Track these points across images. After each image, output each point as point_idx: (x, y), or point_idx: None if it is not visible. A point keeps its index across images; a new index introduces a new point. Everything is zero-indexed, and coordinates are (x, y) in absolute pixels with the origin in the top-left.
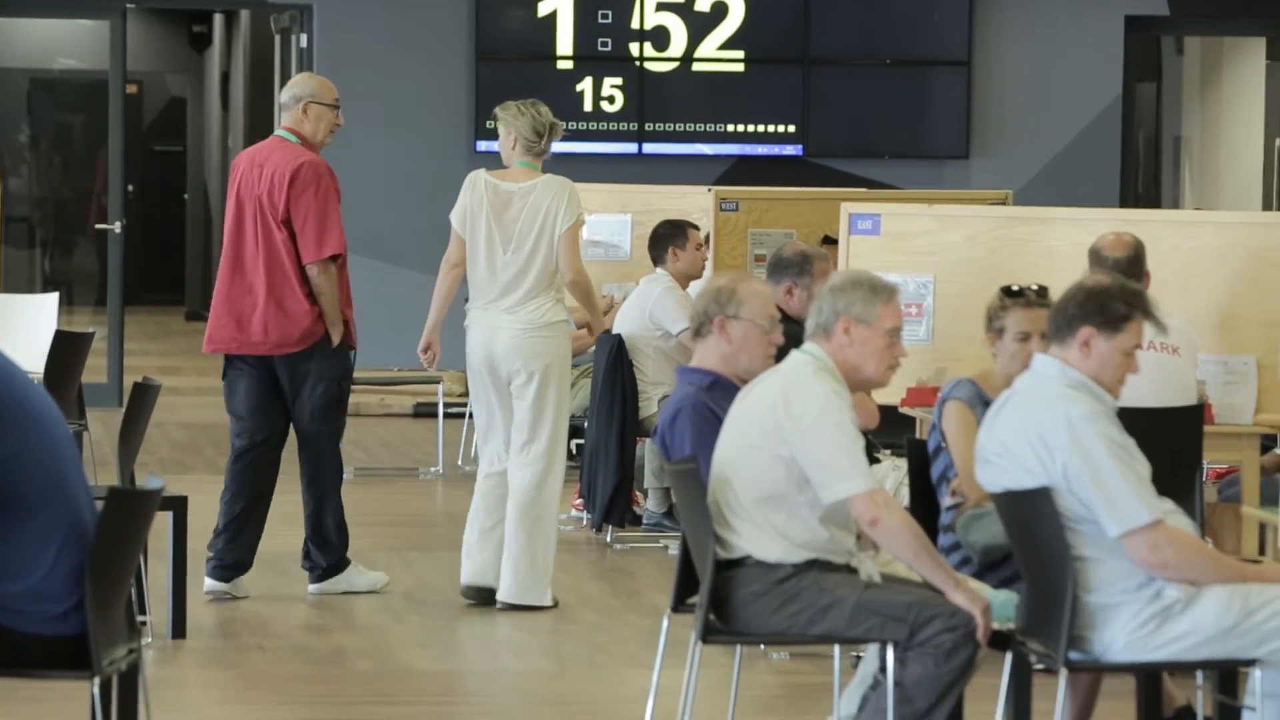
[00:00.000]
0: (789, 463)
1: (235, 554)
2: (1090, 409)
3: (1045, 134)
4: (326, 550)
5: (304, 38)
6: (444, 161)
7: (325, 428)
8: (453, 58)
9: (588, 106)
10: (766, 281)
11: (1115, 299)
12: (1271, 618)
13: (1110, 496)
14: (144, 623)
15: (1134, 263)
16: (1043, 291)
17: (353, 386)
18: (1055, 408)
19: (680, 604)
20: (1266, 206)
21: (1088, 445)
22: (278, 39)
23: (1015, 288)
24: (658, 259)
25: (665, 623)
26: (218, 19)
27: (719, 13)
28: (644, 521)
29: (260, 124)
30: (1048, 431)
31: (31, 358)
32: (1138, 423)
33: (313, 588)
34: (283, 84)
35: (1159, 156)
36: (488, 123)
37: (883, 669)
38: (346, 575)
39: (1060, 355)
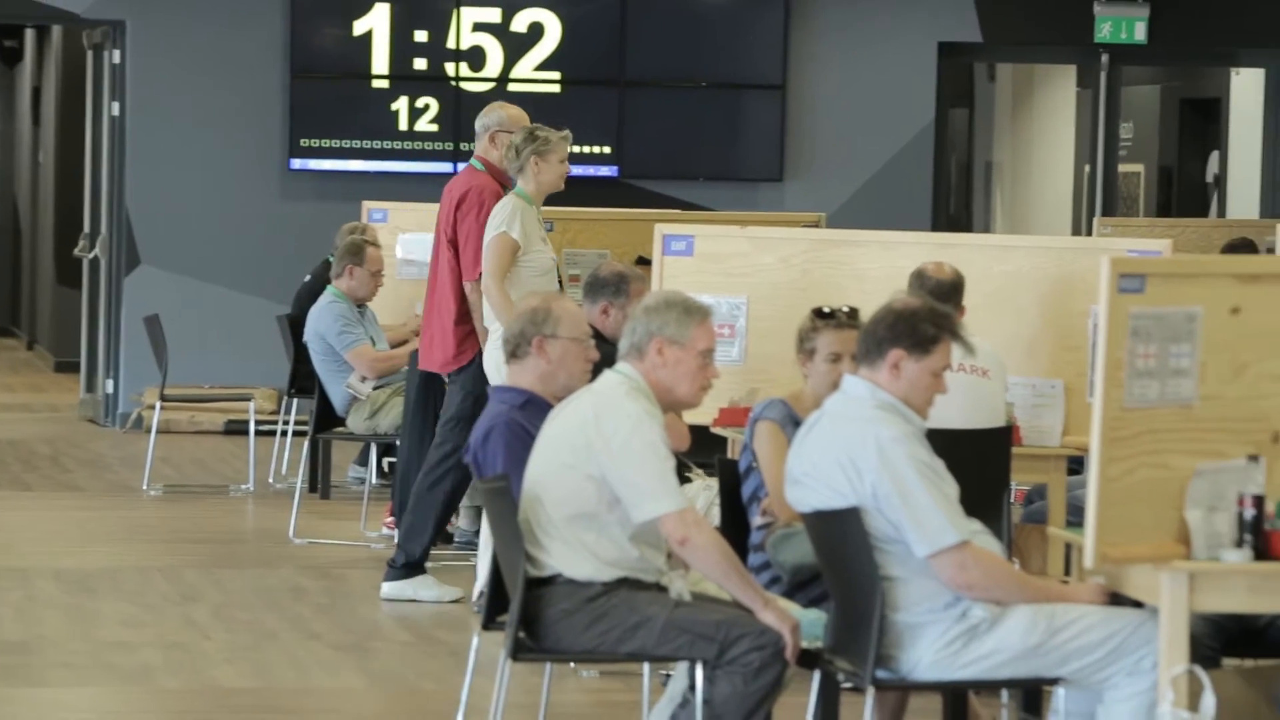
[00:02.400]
0: (600, 482)
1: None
2: (899, 430)
3: (859, 158)
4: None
5: (116, 54)
6: (258, 179)
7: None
8: (267, 75)
9: (403, 126)
10: (583, 301)
11: (924, 321)
12: (1075, 637)
13: (918, 517)
14: None
15: (954, 290)
16: (854, 313)
17: (162, 404)
18: (865, 429)
19: (491, 622)
20: (1076, 231)
21: (897, 466)
22: (90, 55)
23: (826, 309)
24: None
25: (475, 640)
26: (29, 34)
27: (535, 34)
28: (456, 540)
29: (71, 140)
30: (857, 453)
31: None
32: (947, 444)
33: (386, 588)
34: (95, 100)
35: (971, 181)
36: (301, 140)
37: (692, 687)
38: (415, 582)
39: (870, 377)
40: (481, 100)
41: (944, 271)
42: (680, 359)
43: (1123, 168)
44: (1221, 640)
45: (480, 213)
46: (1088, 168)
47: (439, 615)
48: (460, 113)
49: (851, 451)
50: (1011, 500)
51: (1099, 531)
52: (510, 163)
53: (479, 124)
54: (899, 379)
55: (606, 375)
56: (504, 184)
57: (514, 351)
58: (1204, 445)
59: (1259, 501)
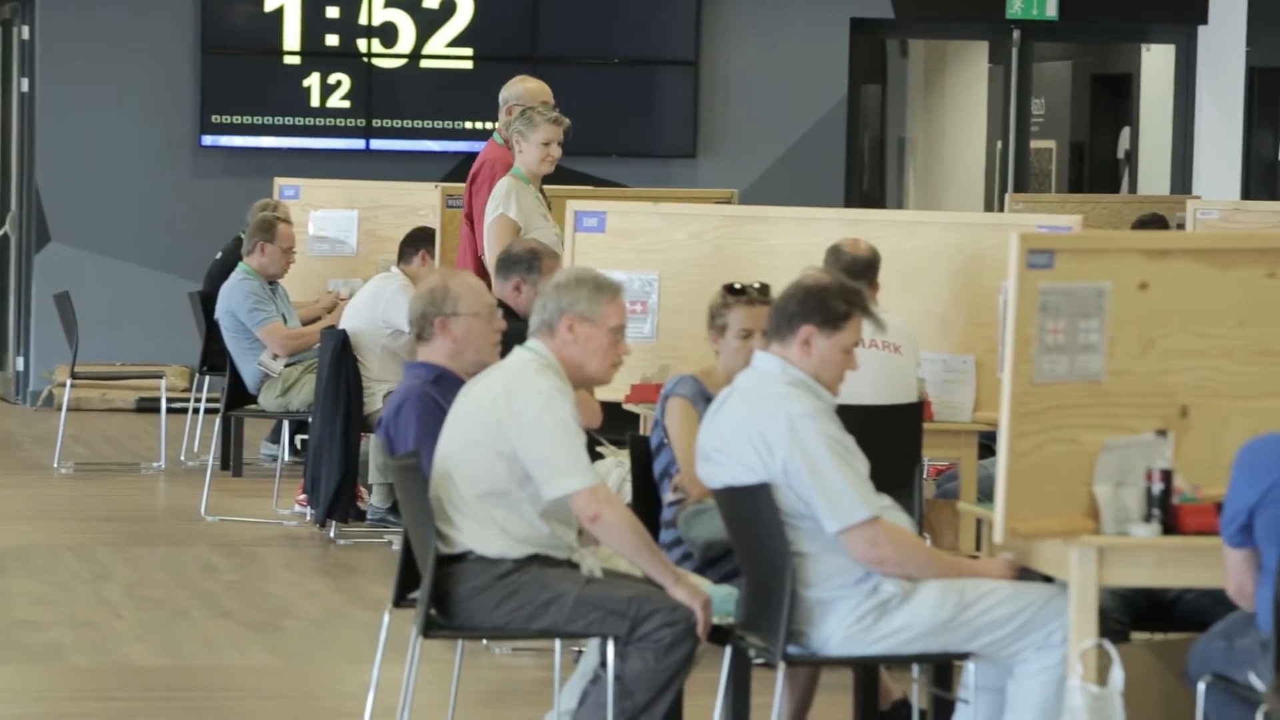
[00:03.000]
0: (510, 459)
1: None
2: (810, 407)
3: (771, 134)
4: None
5: (25, 29)
6: (169, 156)
7: None
8: (178, 51)
9: (315, 102)
10: (495, 278)
11: (835, 297)
12: (985, 612)
13: (829, 493)
14: None
15: (870, 266)
16: (765, 289)
17: (73, 381)
18: (776, 405)
19: (402, 599)
20: (988, 208)
21: (807, 443)
22: None
23: (738, 285)
24: (404, 258)
25: (386, 618)
26: None
27: (448, 10)
28: (368, 517)
29: None
30: (768, 429)
31: None
32: (859, 420)
33: None
34: (3, 76)
35: (884, 157)
36: (213, 116)
37: (603, 663)
38: None
39: (781, 353)
40: (393, 77)
41: (860, 248)
42: (591, 336)
43: (1034, 144)
44: (1130, 614)
45: (491, 187)
46: (1000, 144)
47: (352, 593)
48: (372, 89)
49: (763, 428)
50: (925, 476)
51: (1008, 506)
52: (512, 141)
53: (501, 96)
54: (810, 355)
55: (517, 352)
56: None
57: (419, 333)
58: (1112, 420)
59: (1167, 476)
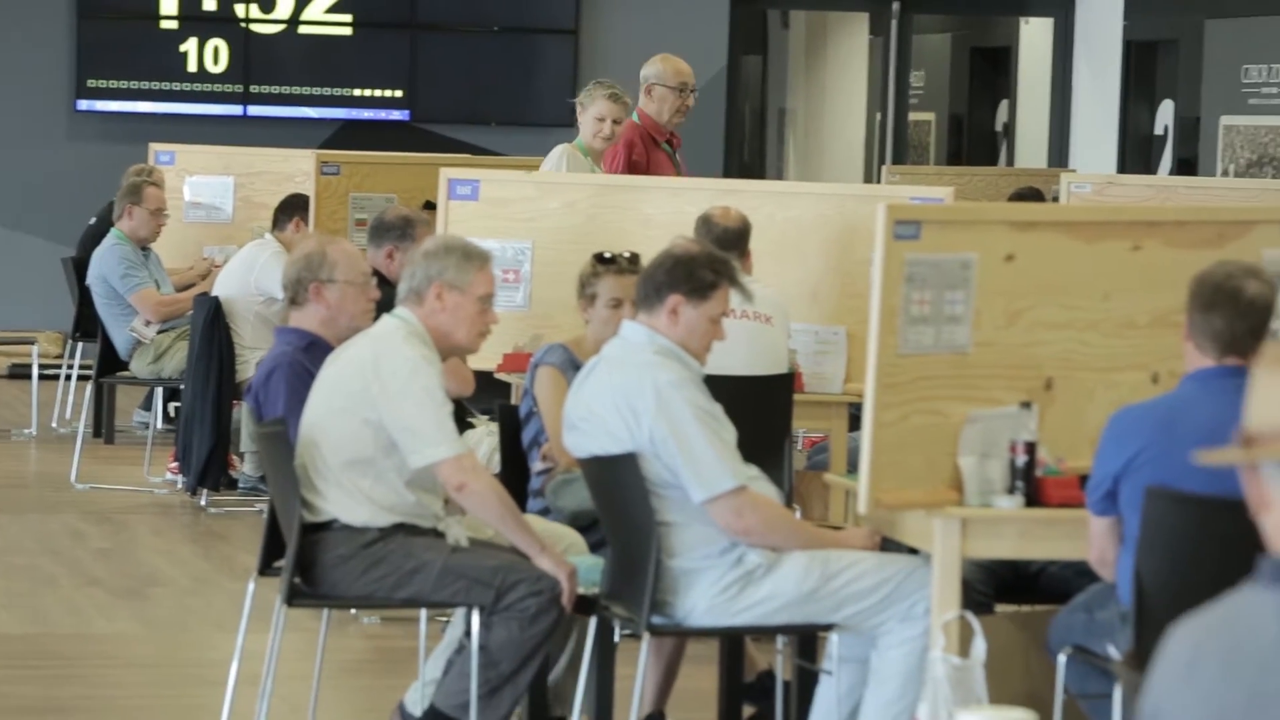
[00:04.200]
0: (376, 427)
1: None
2: (677, 376)
3: None
4: None
5: None
6: (43, 120)
7: None
8: (54, 15)
9: (192, 67)
10: (368, 245)
11: (703, 267)
12: (850, 583)
13: (695, 463)
14: None
15: (740, 236)
16: (635, 259)
17: None
18: (643, 374)
19: (268, 567)
20: (867, 179)
21: (674, 412)
22: None
23: (608, 254)
24: (278, 225)
25: (251, 586)
26: None
27: None
28: (240, 485)
29: None
30: (635, 398)
31: None
32: (729, 390)
33: None
34: None
35: (764, 128)
36: (89, 81)
37: (468, 633)
38: None
39: (648, 322)
40: (271, 43)
41: (730, 217)
42: (459, 304)
43: (913, 116)
44: (994, 586)
45: (612, 162)
46: (879, 115)
47: (222, 561)
48: (250, 55)
49: (629, 397)
50: (800, 448)
51: (872, 478)
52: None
53: (642, 75)
54: (677, 324)
55: (385, 320)
56: (655, 137)
57: (293, 298)
58: (977, 392)
59: (1031, 448)
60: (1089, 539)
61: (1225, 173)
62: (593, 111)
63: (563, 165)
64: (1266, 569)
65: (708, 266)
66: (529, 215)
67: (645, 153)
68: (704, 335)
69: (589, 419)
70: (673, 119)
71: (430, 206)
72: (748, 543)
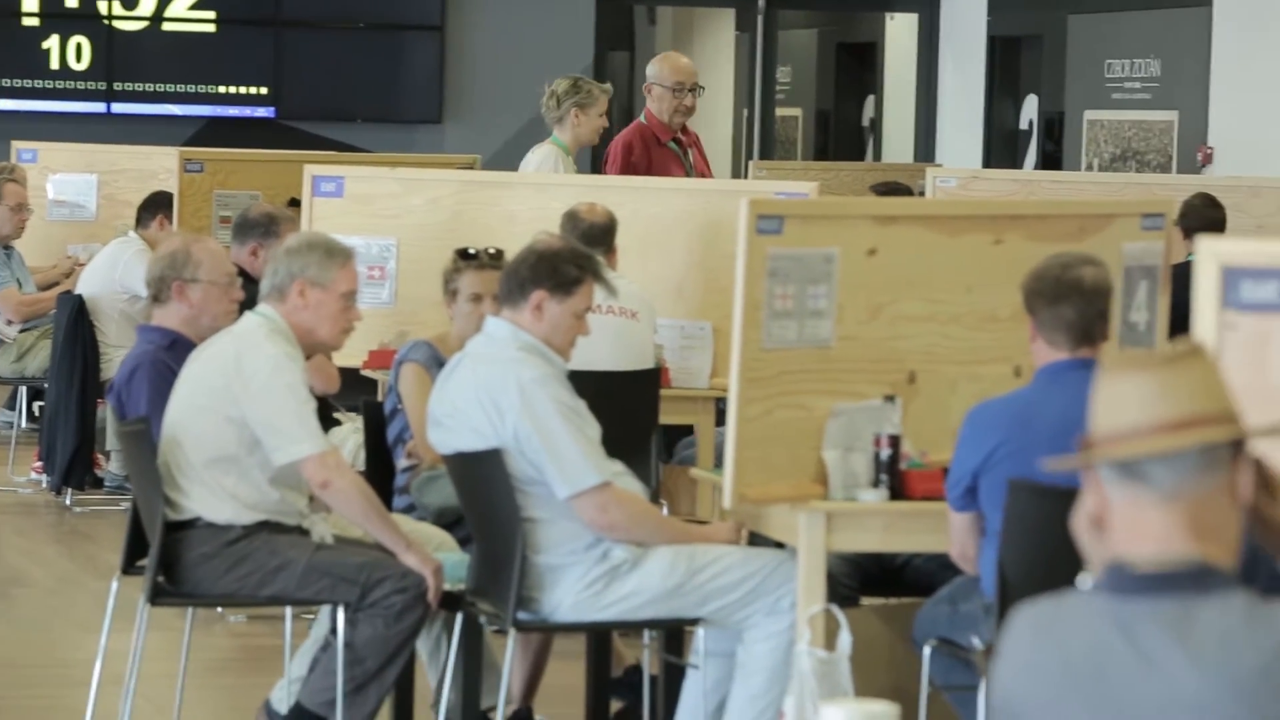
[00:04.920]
0: (239, 424)
1: None
2: (541, 372)
3: (518, 99)
4: None
5: None
6: None
7: None
8: None
9: (54, 65)
10: (232, 242)
11: (567, 262)
12: (715, 577)
13: (559, 459)
14: None
15: (606, 232)
16: (498, 254)
17: None
18: (506, 370)
19: (131, 566)
20: (735, 175)
21: (538, 408)
22: None
23: (470, 250)
24: (142, 223)
25: (115, 585)
26: None
27: None
28: (105, 484)
29: None
30: (499, 394)
31: None
32: (595, 385)
33: None
34: None
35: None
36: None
37: (333, 630)
38: None
39: (512, 318)
40: (134, 39)
41: (596, 213)
42: (322, 301)
43: (780, 111)
44: (859, 579)
45: (609, 163)
46: (746, 111)
47: (86, 560)
48: (113, 52)
49: (493, 393)
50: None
51: (737, 472)
52: (549, 111)
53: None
54: (541, 320)
55: (247, 317)
56: (660, 137)
57: (156, 295)
58: (841, 386)
59: (895, 441)
60: (950, 534)
61: (1089, 167)
62: (597, 110)
63: (557, 166)
64: (1105, 574)
65: (571, 262)
66: (394, 212)
67: (646, 153)
68: (568, 331)
69: (454, 415)
70: (674, 118)
71: (295, 204)
72: (613, 538)
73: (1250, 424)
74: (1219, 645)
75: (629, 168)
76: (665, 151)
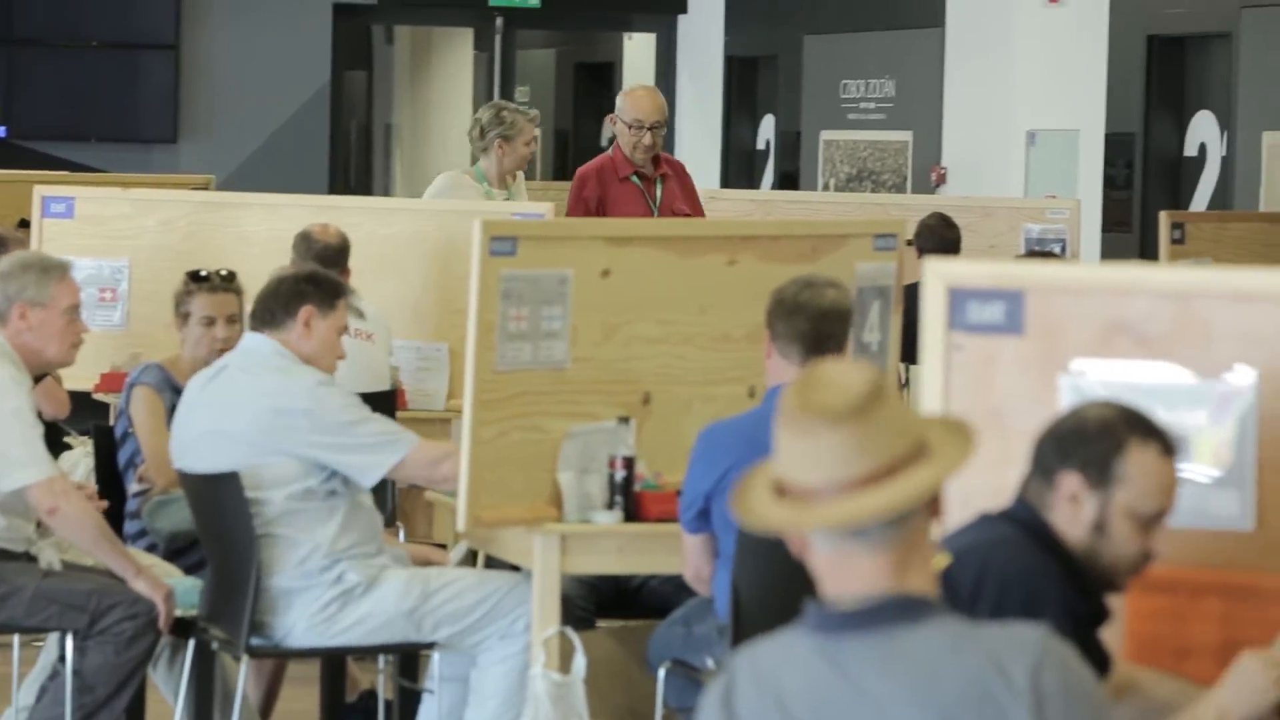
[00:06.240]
0: None
1: None
2: (320, 375)
3: (255, 119)
4: None
5: None
6: None
7: None
8: None
9: None
10: None
11: (325, 280)
12: (449, 601)
13: (361, 446)
14: None
15: (340, 253)
16: (230, 276)
17: None
18: (290, 379)
19: None
20: None
21: (328, 407)
22: None
23: (202, 272)
24: None
25: None
26: None
27: None
28: None
29: None
30: (283, 400)
31: None
32: None
33: None
34: None
35: (370, 144)
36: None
37: (62, 658)
38: None
39: (279, 336)
40: None
41: (330, 234)
42: (45, 320)
43: None
44: (595, 601)
45: (571, 197)
46: None
47: None
48: None
49: (276, 400)
50: None
51: (471, 495)
52: (474, 141)
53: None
54: (311, 337)
55: None
56: (622, 171)
57: None
58: (576, 407)
59: (629, 463)
60: (684, 556)
61: (826, 187)
62: (522, 139)
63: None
64: (811, 614)
65: (329, 279)
66: (126, 233)
67: (599, 188)
68: (333, 347)
69: (212, 431)
70: (634, 154)
71: (25, 225)
72: (449, 488)
73: (942, 447)
74: (927, 673)
75: (580, 202)
76: (625, 187)
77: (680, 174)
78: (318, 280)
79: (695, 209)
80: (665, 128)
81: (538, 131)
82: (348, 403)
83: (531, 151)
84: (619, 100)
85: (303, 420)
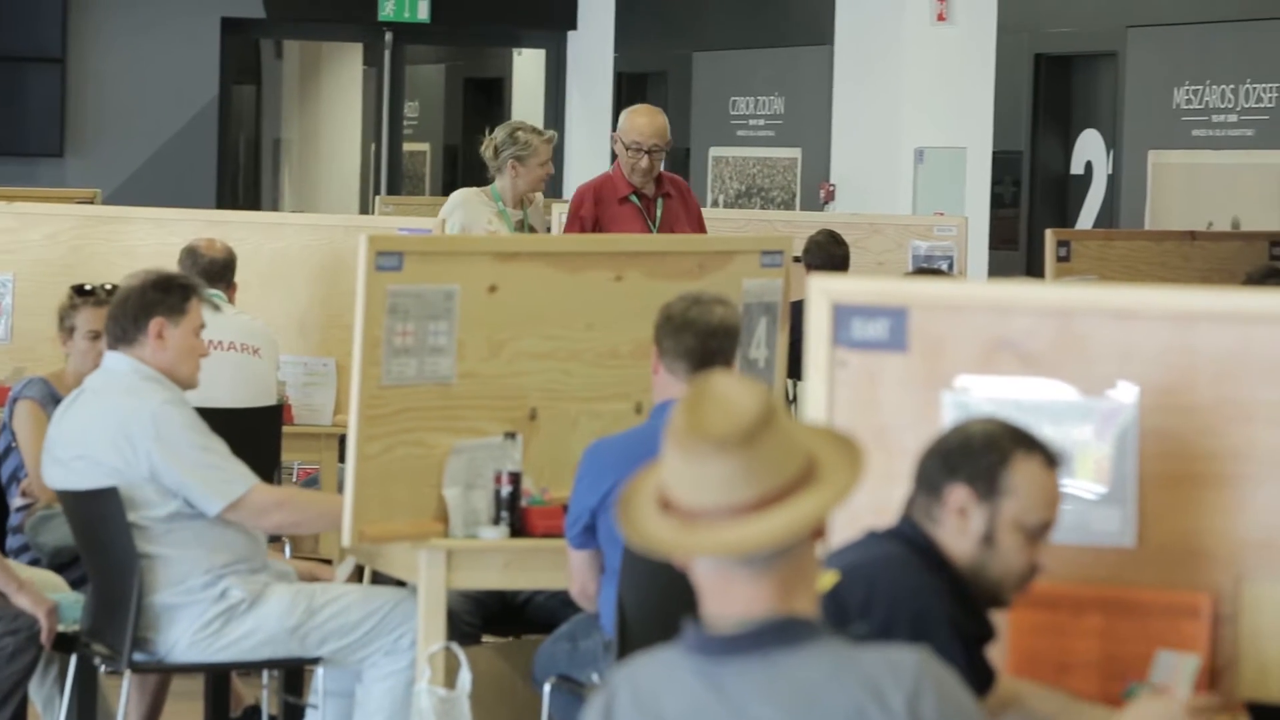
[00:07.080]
0: None
1: None
2: (171, 394)
3: (142, 133)
4: None
5: None
6: None
7: None
8: None
9: None
10: None
11: (169, 284)
12: (334, 617)
13: (204, 477)
14: None
15: (226, 267)
16: (114, 291)
17: None
18: (137, 400)
19: None
20: (363, 210)
21: (173, 431)
22: None
23: (87, 287)
24: None
25: None
26: None
27: None
28: None
29: None
30: (131, 424)
31: None
32: (218, 422)
33: None
34: None
35: (259, 158)
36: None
37: None
38: None
39: (132, 353)
40: None
41: (215, 249)
42: None
43: (408, 146)
44: (482, 616)
45: (569, 214)
46: (374, 146)
47: None
48: None
49: (125, 424)
50: (294, 480)
51: (356, 510)
52: (490, 161)
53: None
54: (165, 348)
55: None
56: (621, 190)
57: None
58: (462, 423)
59: (516, 478)
60: (570, 571)
61: (715, 203)
62: (537, 160)
63: (458, 210)
64: (690, 634)
65: (173, 283)
66: (9, 247)
67: (595, 208)
68: (191, 352)
69: (78, 452)
70: (633, 176)
71: None
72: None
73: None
74: (806, 698)
75: (576, 219)
76: (624, 207)
77: (684, 193)
78: (165, 286)
79: (698, 229)
80: (665, 151)
81: (549, 150)
82: (193, 423)
83: (548, 172)
84: (620, 119)
85: (152, 443)
